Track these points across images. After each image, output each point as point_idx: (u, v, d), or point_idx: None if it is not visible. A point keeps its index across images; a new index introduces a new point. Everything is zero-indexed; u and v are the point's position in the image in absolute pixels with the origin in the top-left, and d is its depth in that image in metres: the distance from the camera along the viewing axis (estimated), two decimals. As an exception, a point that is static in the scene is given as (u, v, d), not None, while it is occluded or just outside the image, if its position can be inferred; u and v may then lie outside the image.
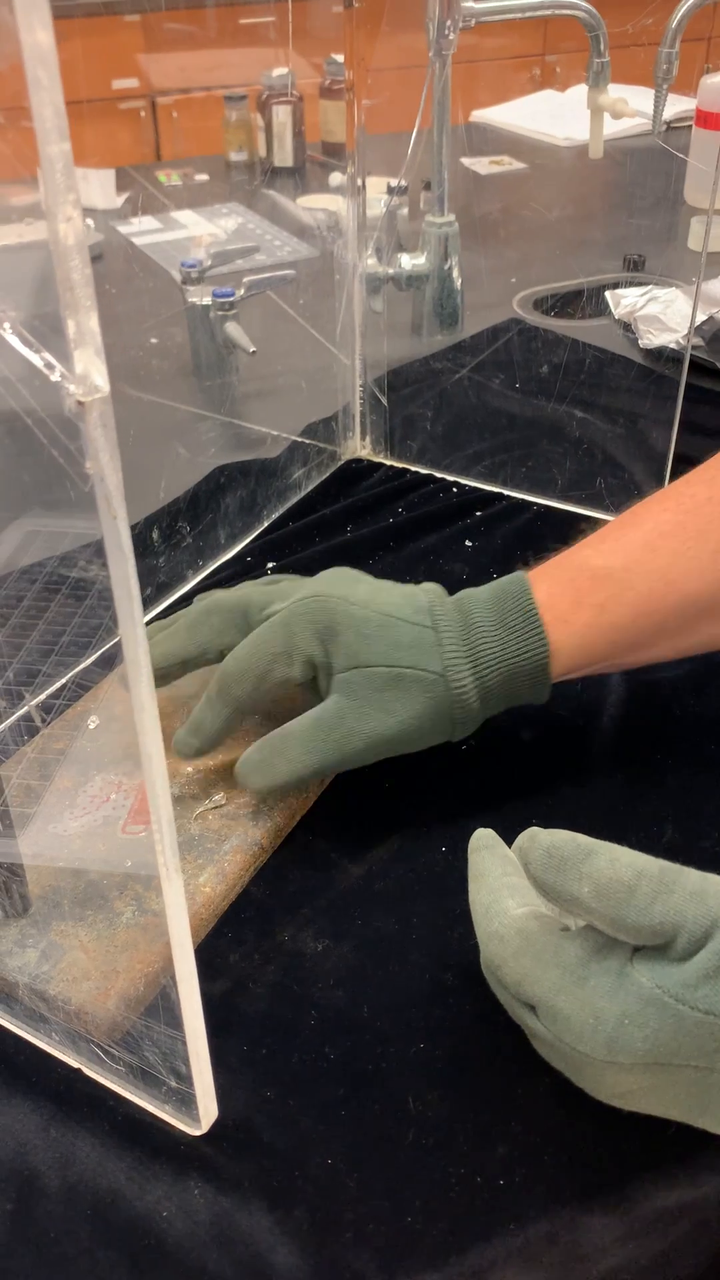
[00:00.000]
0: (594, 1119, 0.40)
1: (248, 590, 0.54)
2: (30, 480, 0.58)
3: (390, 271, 0.89)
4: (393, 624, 0.49)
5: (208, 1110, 0.39)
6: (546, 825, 0.40)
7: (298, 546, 0.73)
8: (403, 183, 0.95)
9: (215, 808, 0.51)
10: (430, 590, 0.52)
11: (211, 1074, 0.39)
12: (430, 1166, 0.39)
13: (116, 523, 0.26)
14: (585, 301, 1.04)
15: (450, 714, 0.49)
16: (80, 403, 0.24)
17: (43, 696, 0.58)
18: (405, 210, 0.98)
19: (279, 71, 1.40)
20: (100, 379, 0.24)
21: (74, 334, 0.23)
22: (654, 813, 0.52)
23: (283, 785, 0.50)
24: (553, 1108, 0.40)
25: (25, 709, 0.56)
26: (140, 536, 0.67)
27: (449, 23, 0.81)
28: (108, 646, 0.61)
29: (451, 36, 0.82)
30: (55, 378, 0.24)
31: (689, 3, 0.83)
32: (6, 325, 0.24)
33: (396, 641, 0.49)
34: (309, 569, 0.70)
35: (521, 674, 0.49)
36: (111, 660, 0.60)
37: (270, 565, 0.71)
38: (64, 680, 0.59)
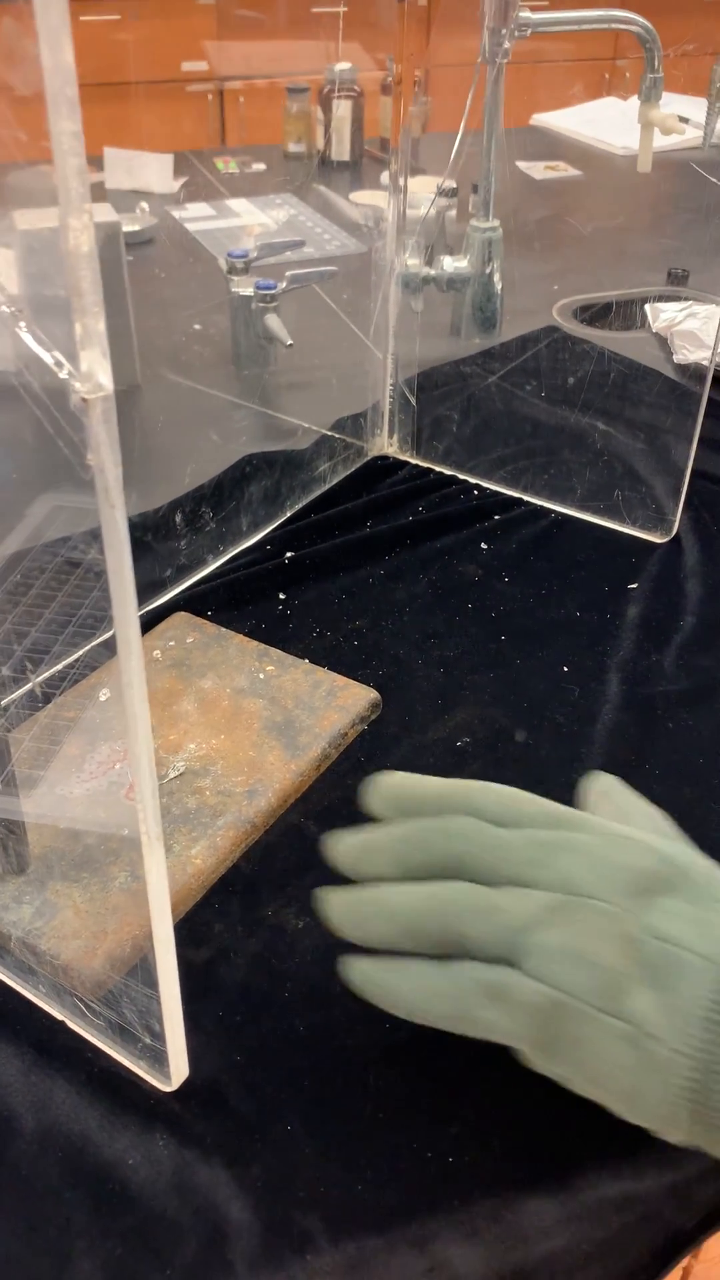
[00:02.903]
0: (543, 1110, 0.42)
1: None
2: (62, 457, 0.60)
3: (432, 272, 0.90)
4: None
5: (178, 1068, 0.41)
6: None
7: (317, 538, 0.75)
8: (453, 184, 0.96)
9: (177, 775, 0.53)
10: None
11: (184, 1035, 0.41)
12: (384, 1139, 0.41)
13: (114, 512, 0.28)
14: (625, 313, 1.05)
15: None
16: (85, 400, 0.26)
17: (55, 669, 0.60)
18: (454, 212, 0.99)
19: (342, 66, 1.42)
20: (105, 378, 0.26)
21: (81, 336, 0.25)
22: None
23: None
24: (505, 1097, 0.42)
25: (31, 685, 0.59)
26: (164, 519, 0.69)
27: (504, 31, 0.82)
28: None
29: (506, 45, 0.83)
30: (63, 375, 0.26)
31: (745, 23, 0.83)
32: (22, 324, 0.26)
33: None
34: (327, 561, 0.72)
35: None
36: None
37: (289, 555, 0.73)
38: (75, 657, 0.61)
